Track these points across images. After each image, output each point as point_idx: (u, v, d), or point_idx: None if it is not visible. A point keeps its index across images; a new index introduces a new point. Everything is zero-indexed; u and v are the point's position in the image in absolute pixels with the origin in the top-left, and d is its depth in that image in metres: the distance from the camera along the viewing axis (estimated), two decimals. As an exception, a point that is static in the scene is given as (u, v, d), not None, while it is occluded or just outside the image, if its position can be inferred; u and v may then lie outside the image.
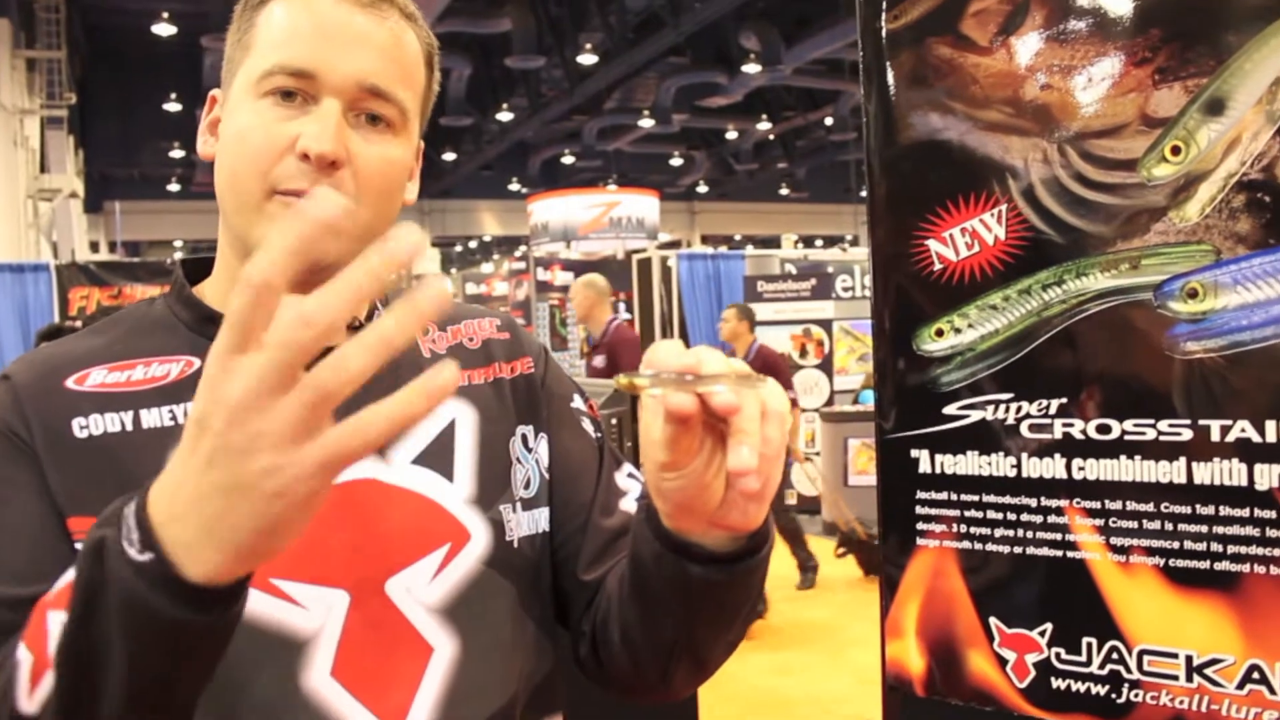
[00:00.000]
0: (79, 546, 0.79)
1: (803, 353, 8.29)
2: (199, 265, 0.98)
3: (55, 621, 0.65)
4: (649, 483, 0.74)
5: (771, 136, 25.25)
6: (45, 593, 0.71)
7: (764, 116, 23.34)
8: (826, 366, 8.25)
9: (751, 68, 17.39)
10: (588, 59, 16.86)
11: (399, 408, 0.55)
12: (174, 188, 26.49)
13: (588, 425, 1.04)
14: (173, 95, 21.20)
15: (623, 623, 0.89)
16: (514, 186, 28.12)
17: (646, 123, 21.28)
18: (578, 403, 1.06)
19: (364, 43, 0.87)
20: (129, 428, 0.86)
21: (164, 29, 16.82)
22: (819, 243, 23.16)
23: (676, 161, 27.73)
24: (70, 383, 0.87)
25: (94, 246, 22.98)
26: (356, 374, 0.54)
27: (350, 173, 0.86)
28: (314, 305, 0.53)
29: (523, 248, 25.09)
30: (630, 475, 1.03)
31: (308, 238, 0.53)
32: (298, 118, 0.85)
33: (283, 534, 0.58)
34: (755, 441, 0.65)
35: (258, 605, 0.82)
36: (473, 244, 33.38)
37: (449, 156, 24.51)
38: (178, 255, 23.55)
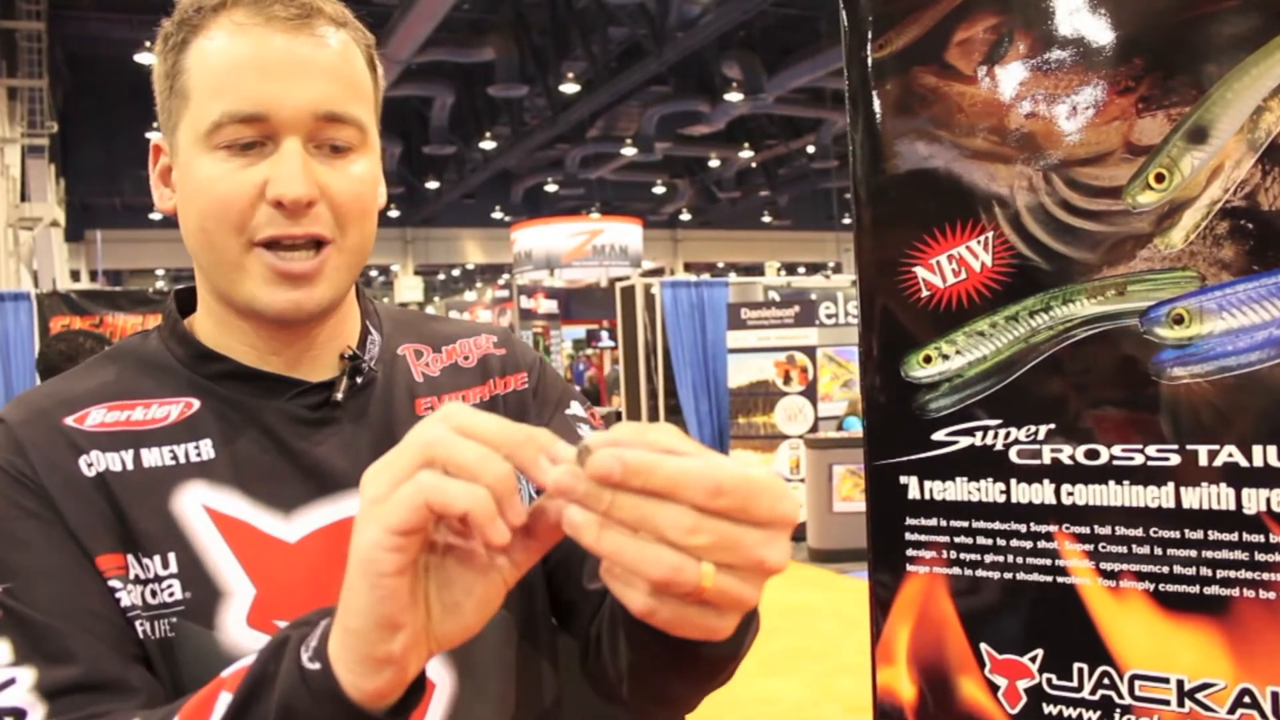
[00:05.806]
0: (113, 584, 0.80)
1: (786, 379, 8.30)
2: (191, 295, 0.97)
3: (222, 703, 0.65)
4: None
5: (754, 164, 25.41)
6: (84, 626, 0.76)
7: (746, 145, 23.49)
8: (810, 393, 8.25)
9: (734, 96, 17.51)
10: (570, 88, 16.94)
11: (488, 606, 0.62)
12: (155, 216, 26.26)
13: (585, 431, 1.01)
14: (154, 125, 20.81)
15: (611, 651, 0.88)
16: (497, 214, 28.14)
17: (629, 151, 21.39)
18: (574, 409, 1.03)
19: (308, 70, 0.83)
20: (129, 466, 0.84)
21: (146, 58, 16.81)
22: (801, 270, 23.26)
23: (659, 189, 27.83)
24: (70, 421, 0.85)
25: (75, 275, 22.87)
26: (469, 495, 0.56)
27: (325, 206, 0.84)
28: (470, 449, 0.57)
29: (506, 276, 25.09)
30: None
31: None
32: (258, 163, 0.83)
33: (389, 628, 0.58)
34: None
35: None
36: (456, 272, 33.35)
37: (432, 185, 24.51)
38: (160, 284, 23.45)
